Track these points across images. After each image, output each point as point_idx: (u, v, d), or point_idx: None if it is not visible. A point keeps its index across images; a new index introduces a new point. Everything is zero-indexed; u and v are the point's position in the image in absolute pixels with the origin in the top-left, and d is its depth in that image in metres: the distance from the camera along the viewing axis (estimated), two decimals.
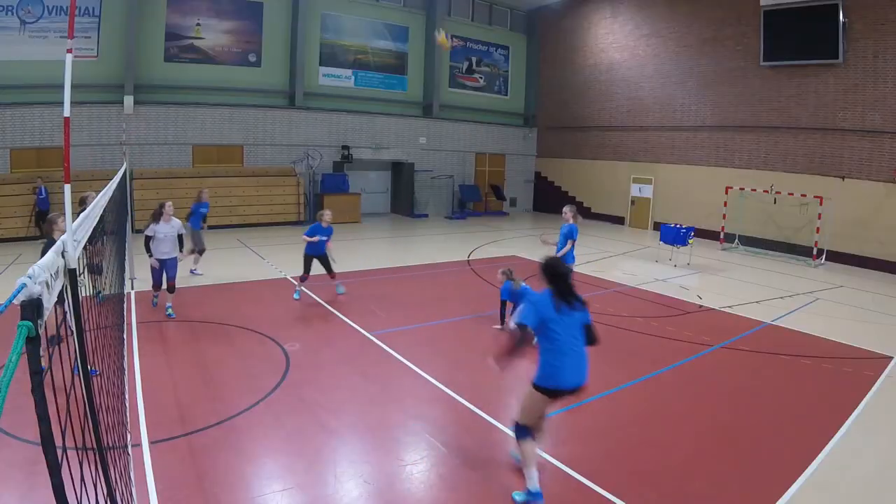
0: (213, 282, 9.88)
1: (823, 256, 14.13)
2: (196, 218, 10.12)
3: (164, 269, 7.73)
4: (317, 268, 8.96)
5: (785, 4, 14.68)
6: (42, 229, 12.63)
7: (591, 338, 3.87)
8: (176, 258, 7.83)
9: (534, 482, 3.80)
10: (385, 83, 20.29)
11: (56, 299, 1.58)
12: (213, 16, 16.60)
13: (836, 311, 9.64)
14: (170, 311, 7.77)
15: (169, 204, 7.78)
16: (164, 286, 7.82)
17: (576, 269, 8.36)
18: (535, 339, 3.88)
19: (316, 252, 8.85)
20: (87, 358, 2.16)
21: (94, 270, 3.59)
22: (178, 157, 16.18)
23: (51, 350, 2.05)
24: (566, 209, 8.23)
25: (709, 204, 16.60)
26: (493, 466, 4.42)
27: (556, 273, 3.84)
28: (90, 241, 2.81)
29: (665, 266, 12.86)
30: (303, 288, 9.08)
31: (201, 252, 10.23)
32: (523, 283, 7.79)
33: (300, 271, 8.95)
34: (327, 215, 8.94)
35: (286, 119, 17.90)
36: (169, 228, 7.67)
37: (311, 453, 4.48)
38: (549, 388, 3.77)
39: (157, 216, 7.65)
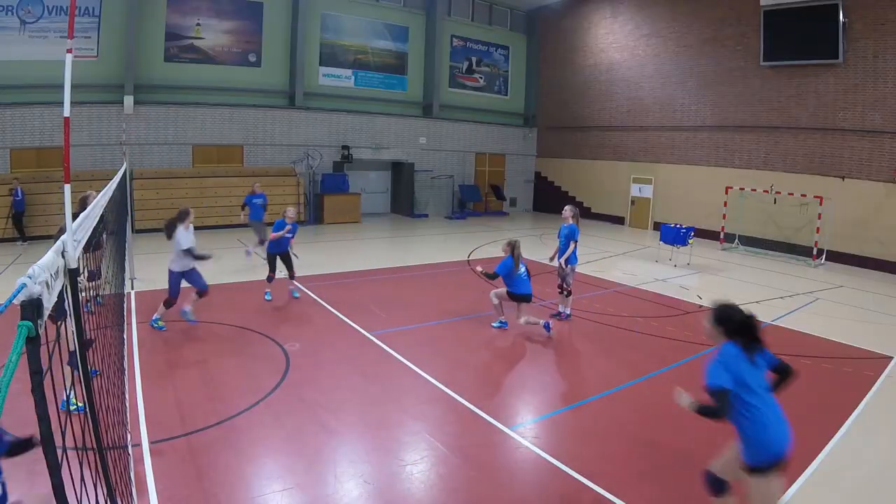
0: (213, 282, 9.85)
1: (823, 256, 14.13)
2: (256, 210, 11.33)
3: (191, 280, 7.18)
4: (323, 265, 8.96)
5: (785, 4, 14.67)
6: (20, 231, 12.55)
7: (786, 372, 3.31)
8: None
9: None
10: (385, 83, 20.28)
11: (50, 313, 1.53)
12: (213, 16, 16.59)
13: (836, 311, 9.64)
14: (190, 315, 7.24)
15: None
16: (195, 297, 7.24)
17: (577, 269, 8.34)
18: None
19: (279, 250, 8.74)
20: (86, 358, 2.16)
21: (93, 277, 3.58)
22: (178, 157, 16.17)
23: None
24: (567, 209, 8.18)
25: (709, 204, 16.59)
26: (494, 467, 4.41)
27: (740, 324, 3.12)
28: (87, 245, 2.79)
29: (665, 266, 12.86)
30: (297, 285, 9.07)
31: (263, 242, 10.83)
32: (524, 268, 7.54)
33: (298, 271, 8.94)
34: (290, 212, 8.80)
35: (286, 119, 17.90)
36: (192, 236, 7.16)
37: (311, 453, 4.49)
38: (774, 461, 3.01)
39: (179, 222, 7.00)
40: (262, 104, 17.52)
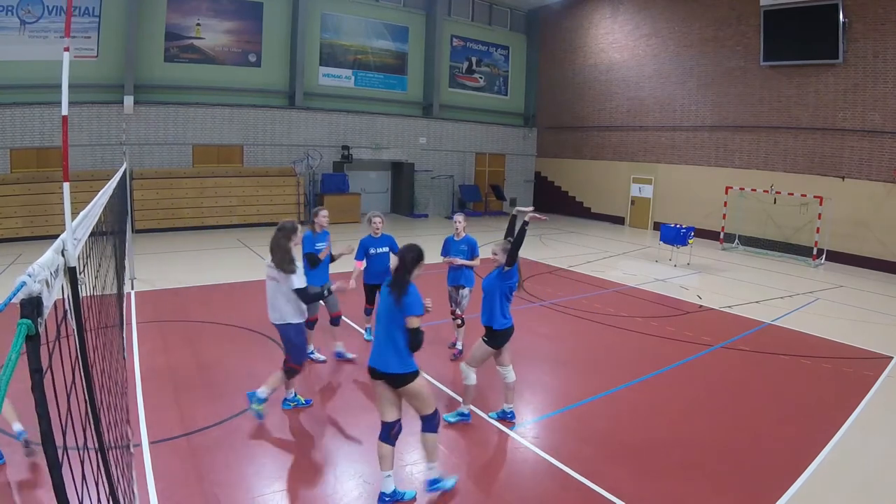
0: (213, 282, 9.88)
1: (823, 256, 14.13)
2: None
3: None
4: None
5: (785, 4, 14.68)
6: None
7: None
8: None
9: None
10: (385, 83, 20.28)
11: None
12: (213, 16, 16.59)
13: (836, 311, 9.64)
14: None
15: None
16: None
17: (576, 269, 8.31)
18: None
19: None
20: (87, 357, 2.15)
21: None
22: (178, 157, 16.18)
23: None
24: (460, 217, 7.03)
25: (709, 204, 16.60)
26: (494, 467, 4.41)
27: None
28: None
29: (665, 266, 12.85)
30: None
31: None
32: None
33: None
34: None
35: (286, 119, 17.90)
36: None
37: (311, 453, 4.48)
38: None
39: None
40: (261, 104, 17.52)
